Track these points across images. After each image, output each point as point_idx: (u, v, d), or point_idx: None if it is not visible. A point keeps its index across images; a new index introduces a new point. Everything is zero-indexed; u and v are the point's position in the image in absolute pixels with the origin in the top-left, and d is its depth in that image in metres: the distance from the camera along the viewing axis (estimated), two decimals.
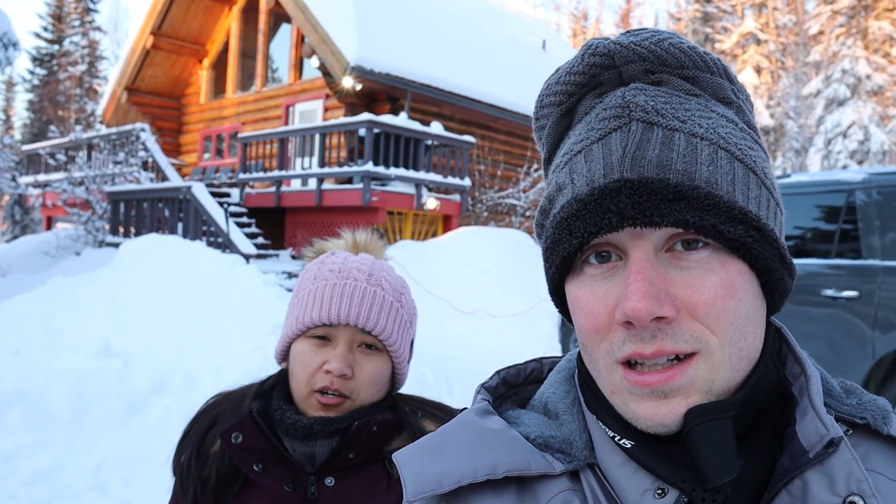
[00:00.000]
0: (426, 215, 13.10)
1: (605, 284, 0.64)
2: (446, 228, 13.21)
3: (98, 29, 45.38)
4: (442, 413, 1.42)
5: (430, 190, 12.67)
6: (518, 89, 16.12)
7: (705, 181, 0.62)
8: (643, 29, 0.70)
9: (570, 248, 0.65)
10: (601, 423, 0.69)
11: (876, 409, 0.68)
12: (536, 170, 16.24)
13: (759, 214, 0.64)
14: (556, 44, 21.85)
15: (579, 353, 0.75)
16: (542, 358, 0.84)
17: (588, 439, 0.71)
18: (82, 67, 43.60)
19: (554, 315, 8.54)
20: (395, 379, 1.42)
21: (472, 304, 9.45)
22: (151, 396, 5.09)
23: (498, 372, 0.81)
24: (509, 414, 0.75)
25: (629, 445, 0.66)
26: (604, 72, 0.69)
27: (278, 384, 1.40)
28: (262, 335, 5.94)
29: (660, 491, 0.64)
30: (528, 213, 15.88)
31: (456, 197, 13.21)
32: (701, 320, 0.61)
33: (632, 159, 0.62)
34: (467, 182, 13.05)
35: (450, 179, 12.75)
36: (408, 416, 1.38)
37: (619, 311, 0.61)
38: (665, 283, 0.62)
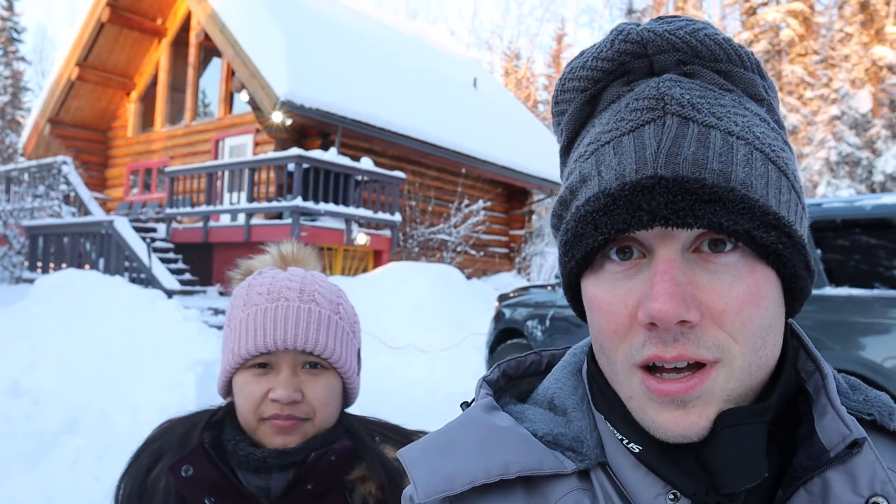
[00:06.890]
0: (356, 251, 13.06)
1: (627, 284, 0.62)
2: (377, 264, 13.18)
3: (22, 59, 44.12)
4: (400, 437, 1.37)
5: (360, 225, 12.66)
6: (449, 126, 16.30)
7: (741, 183, 0.59)
8: (676, 17, 0.66)
9: (593, 243, 0.62)
10: (609, 425, 0.67)
11: (882, 406, 0.68)
12: (468, 205, 16.41)
13: (790, 220, 0.62)
14: (487, 82, 22.27)
15: (589, 349, 0.73)
16: (542, 350, 0.81)
17: (598, 438, 0.69)
18: (5, 98, 42.26)
19: (481, 349, 8.59)
20: (348, 394, 1.35)
21: (401, 340, 9.43)
22: (62, 436, 4.90)
23: (498, 364, 0.79)
24: (512, 408, 0.73)
25: (637, 450, 0.64)
26: (634, 59, 0.65)
27: (230, 413, 1.32)
28: (181, 371, 5.79)
29: (672, 496, 0.62)
30: (458, 249, 16.00)
31: (387, 232, 13.22)
32: (725, 328, 0.59)
33: (666, 156, 0.59)
34: (398, 217, 13.09)
35: (380, 215, 12.76)
36: (366, 443, 1.32)
37: (642, 311, 0.59)
38: (691, 287, 0.59)
